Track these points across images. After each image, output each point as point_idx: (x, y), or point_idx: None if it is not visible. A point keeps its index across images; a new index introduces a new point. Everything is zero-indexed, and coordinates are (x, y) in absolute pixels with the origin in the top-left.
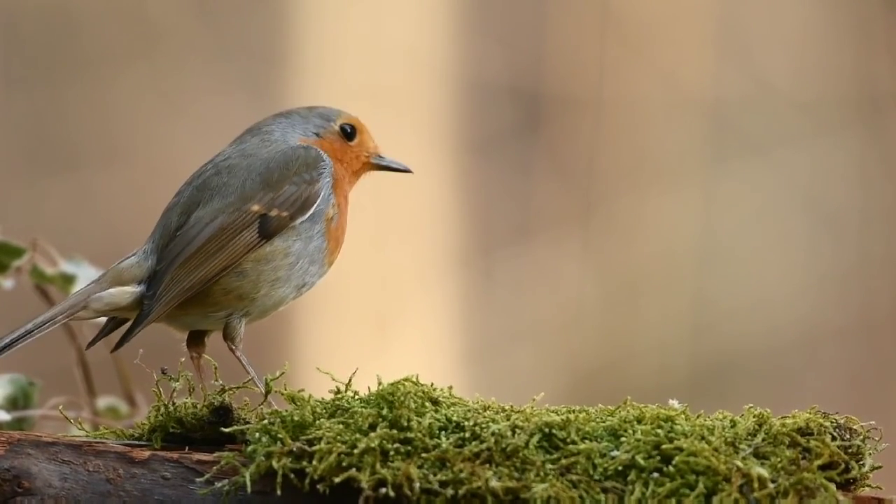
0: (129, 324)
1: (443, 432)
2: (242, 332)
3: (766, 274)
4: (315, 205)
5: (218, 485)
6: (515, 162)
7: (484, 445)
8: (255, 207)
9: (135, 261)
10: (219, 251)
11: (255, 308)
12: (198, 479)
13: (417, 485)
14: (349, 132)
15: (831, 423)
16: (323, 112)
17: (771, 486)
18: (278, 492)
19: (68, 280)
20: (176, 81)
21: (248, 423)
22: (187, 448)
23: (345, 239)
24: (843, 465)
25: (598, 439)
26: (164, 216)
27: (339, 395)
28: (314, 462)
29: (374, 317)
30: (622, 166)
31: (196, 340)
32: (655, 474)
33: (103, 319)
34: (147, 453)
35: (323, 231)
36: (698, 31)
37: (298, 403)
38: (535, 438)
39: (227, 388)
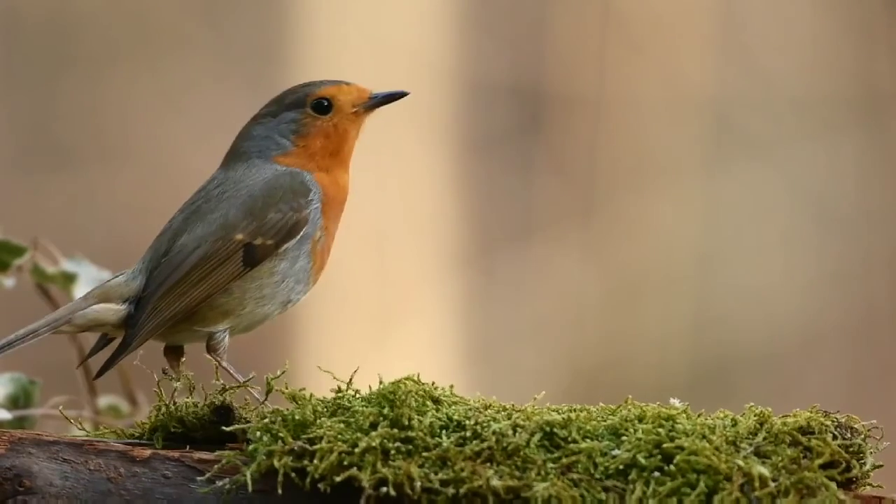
0: (116, 344)
1: (444, 431)
2: (226, 345)
3: (767, 273)
4: (302, 231)
5: (219, 483)
6: (516, 161)
7: (485, 444)
8: (240, 236)
9: (123, 280)
10: (201, 281)
11: (240, 323)
12: (199, 478)
13: (418, 484)
14: (325, 106)
15: (832, 421)
16: (293, 101)
17: (772, 484)
18: (279, 490)
19: (69, 279)
20: (176, 79)
21: (248, 422)
22: (188, 447)
23: (331, 255)
24: (844, 464)
25: (600, 438)
26: (155, 240)
27: (341, 394)
28: (315, 461)
29: (376, 316)
30: (623, 165)
31: (175, 350)
32: (656, 473)
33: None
34: (148, 452)
35: (309, 252)
36: (700, 30)
37: (300, 402)
38: (537, 437)
39: (227, 387)
